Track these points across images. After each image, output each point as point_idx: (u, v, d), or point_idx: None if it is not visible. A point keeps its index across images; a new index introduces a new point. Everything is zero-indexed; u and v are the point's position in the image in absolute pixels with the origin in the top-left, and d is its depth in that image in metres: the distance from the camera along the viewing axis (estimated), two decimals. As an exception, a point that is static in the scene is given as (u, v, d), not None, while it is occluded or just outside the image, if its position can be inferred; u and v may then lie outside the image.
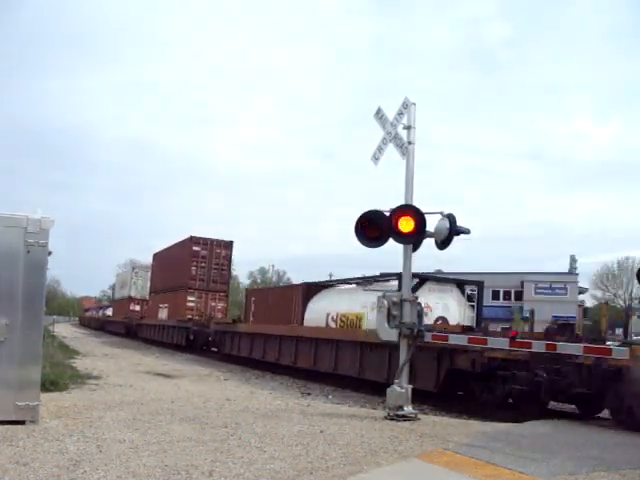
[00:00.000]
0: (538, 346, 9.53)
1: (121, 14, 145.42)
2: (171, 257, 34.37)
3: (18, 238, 6.94)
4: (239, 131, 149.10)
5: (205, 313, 29.80)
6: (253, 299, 24.31)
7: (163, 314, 34.01)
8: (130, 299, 44.81)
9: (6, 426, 6.60)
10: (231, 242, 31.64)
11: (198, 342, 28.42)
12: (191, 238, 30.71)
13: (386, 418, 8.85)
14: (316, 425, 7.97)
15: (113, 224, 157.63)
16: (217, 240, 31.20)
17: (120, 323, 46.82)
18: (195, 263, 30.50)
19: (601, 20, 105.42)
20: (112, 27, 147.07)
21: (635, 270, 57.88)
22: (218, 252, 31.04)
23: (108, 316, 57.53)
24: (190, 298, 30.33)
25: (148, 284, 42.59)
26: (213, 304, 30.67)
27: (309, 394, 14.39)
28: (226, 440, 6.68)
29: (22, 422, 6.84)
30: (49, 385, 10.13)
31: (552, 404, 10.96)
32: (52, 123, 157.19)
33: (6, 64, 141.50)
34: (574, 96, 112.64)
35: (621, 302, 66.32)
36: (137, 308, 43.44)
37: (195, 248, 30.61)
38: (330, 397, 14.07)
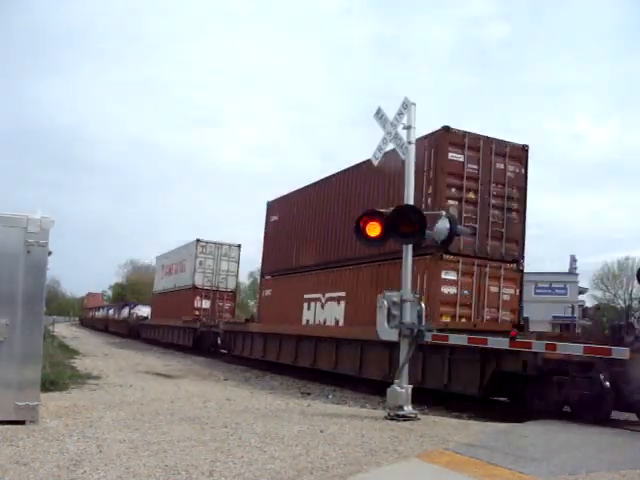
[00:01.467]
0: (538, 346, 9.53)
1: (121, 14, 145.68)
2: (365, 188, 16.27)
3: (18, 238, 6.93)
4: (239, 131, 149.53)
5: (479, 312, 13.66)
6: None
7: (322, 315, 17.72)
8: (195, 290, 29.81)
9: (6, 426, 6.59)
10: (525, 147, 14.55)
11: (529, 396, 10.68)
12: (448, 130, 13.79)
13: (386, 418, 8.85)
14: (316, 425, 7.97)
15: (113, 224, 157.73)
16: (498, 141, 14.27)
17: (180, 329, 30.32)
18: (455, 191, 13.68)
19: (601, 20, 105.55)
20: (112, 27, 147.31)
21: (635, 270, 57.78)
22: (500, 168, 14.15)
23: (144, 318, 40.28)
24: (447, 275, 13.44)
25: (224, 266, 30.17)
26: (494, 289, 13.88)
27: (309, 394, 14.38)
28: (226, 440, 6.67)
29: (22, 422, 6.83)
30: (49, 385, 10.12)
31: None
32: (52, 123, 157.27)
33: (5, 64, 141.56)
34: (574, 96, 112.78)
35: (621, 302, 66.25)
36: (205, 305, 29.70)
37: (454, 156, 13.72)
38: (330, 397, 14.07)
